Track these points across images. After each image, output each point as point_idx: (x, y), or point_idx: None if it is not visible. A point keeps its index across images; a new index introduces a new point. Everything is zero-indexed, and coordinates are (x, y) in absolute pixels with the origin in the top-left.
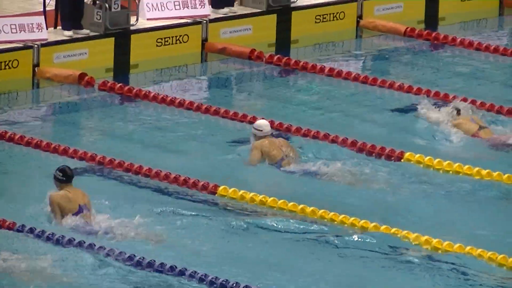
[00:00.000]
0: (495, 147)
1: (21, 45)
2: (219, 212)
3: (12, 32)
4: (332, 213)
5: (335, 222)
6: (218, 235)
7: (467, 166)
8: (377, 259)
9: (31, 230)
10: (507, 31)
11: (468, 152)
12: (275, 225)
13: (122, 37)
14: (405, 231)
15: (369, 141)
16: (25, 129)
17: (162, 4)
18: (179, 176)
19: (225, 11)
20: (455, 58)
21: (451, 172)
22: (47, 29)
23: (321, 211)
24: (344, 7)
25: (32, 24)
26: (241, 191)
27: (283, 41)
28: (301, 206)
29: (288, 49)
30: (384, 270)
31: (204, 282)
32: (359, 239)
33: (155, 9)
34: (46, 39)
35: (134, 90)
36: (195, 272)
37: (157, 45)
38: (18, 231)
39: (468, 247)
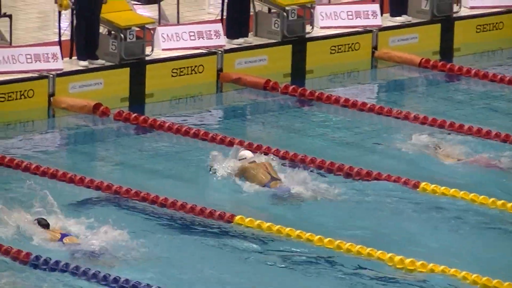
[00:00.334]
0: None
1: (36, 75)
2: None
3: (27, 62)
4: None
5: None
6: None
7: (482, 196)
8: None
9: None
10: None
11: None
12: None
13: (137, 67)
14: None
15: (384, 171)
16: (41, 159)
17: (177, 34)
18: (195, 206)
19: (240, 41)
20: (470, 89)
21: (465, 200)
22: (62, 59)
23: (339, 241)
24: (359, 38)
25: (47, 54)
26: (258, 221)
27: (298, 72)
28: (318, 236)
29: (303, 80)
30: None
31: None
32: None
33: (170, 40)
34: (62, 69)
35: (149, 120)
36: None
37: (172, 75)
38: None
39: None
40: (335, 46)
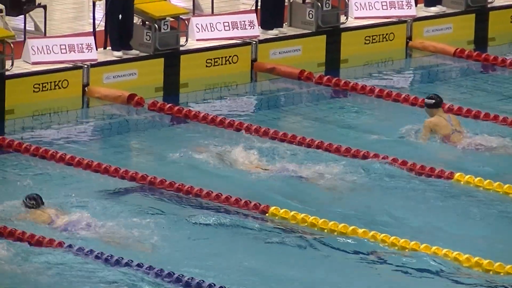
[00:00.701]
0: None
1: (71, 65)
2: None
3: (62, 53)
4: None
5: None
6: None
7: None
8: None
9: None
10: None
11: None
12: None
13: (172, 58)
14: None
15: (418, 161)
16: (75, 149)
17: (211, 25)
18: (230, 196)
19: (274, 32)
20: (504, 79)
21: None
22: (96, 49)
23: (373, 232)
24: (394, 28)
25: (82, 44)
26: (293, 212)
27: (332, 62)
28: (352, 227)
29: (337, 70)
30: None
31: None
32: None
33: (205, 30)
34: (96, 60)
35: (184, 111)
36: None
37: (206, 65)
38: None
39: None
40: (369, 37)
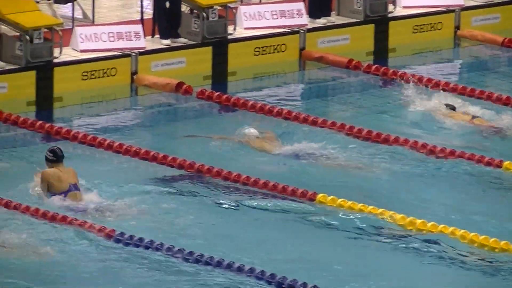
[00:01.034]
0: (489, 134)
1: (119, 53)
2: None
3: (110, 41)
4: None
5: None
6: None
7: None
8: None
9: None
10: None
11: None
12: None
13: (220, 46)
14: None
15: (468, 150)
16: (123, 137)
17: (259, 13)
18: (278, 184)
19: (322, 21)
20: None
21: None
22: (144, 37)
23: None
24: (442, 18)
25: (130, 32)
26: (340, 200)
27: (380, 51)
28: (410, 218)
29: (385, 59)
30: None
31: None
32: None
33: (253, 19)
34: (144, 48)
35: (232, 99)
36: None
37: (254, 54)
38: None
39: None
40: (417, 26)
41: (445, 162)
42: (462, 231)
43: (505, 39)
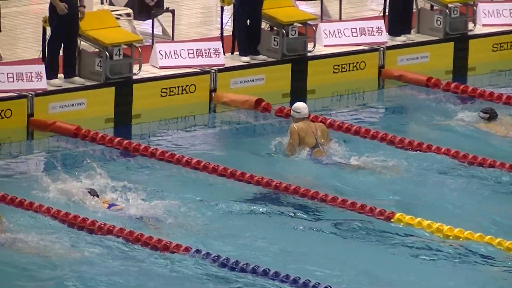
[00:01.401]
0: None
1: (198, 70)
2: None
3: (189, 57)
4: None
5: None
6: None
7: None
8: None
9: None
10: None
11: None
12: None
13: (299, 63)
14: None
15: None
16: (201, 154)
17: (339, 31)
18: (356, 202)
19: (402, 38)
20: None
21: None
22: (224, 54)
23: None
24: None
25: (209, 49)
26: (418, 218)
27: (460, 69)
28: (478, 234)
29: (465, 77)
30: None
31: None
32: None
33: (332, 36)
34: (223, 65)
35: (310, 117)
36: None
37: (334, 72)
38: None
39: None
40: (497, 44)
41: None
42: None
43: None
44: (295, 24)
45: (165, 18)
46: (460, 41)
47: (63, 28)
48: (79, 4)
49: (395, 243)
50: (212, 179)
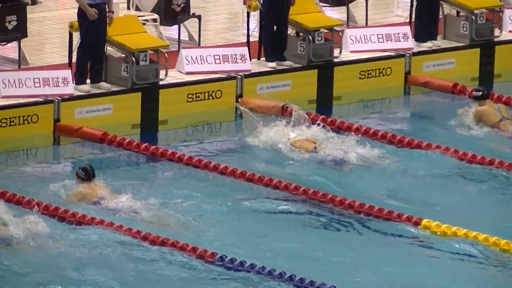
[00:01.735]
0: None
1: (224, 75)
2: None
3: (216, 63)
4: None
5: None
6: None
7: None
8: None
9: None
10: None
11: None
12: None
13: (325, 69)
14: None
15: None
16: (228, 159)
17: (365, 36)
18: (383, 209)
19: (428, 45)
20: None
21: None
22: (250, 60)
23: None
24: None
25: (235, 55)
26: (444, 225)
27: (486, 75)
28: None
29: (491, 83)
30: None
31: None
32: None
33: (359, 42)
34: (250, 70)
35: (337, 122)
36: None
37: (360, 78)
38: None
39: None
40: None
41: None
42: None
43: None
44: (321, 30)
45: (191, 23)
46: (486, 47)
47: (92, 34)
48: (107, 10)
49: (414, 246)
50: (239, 184)
